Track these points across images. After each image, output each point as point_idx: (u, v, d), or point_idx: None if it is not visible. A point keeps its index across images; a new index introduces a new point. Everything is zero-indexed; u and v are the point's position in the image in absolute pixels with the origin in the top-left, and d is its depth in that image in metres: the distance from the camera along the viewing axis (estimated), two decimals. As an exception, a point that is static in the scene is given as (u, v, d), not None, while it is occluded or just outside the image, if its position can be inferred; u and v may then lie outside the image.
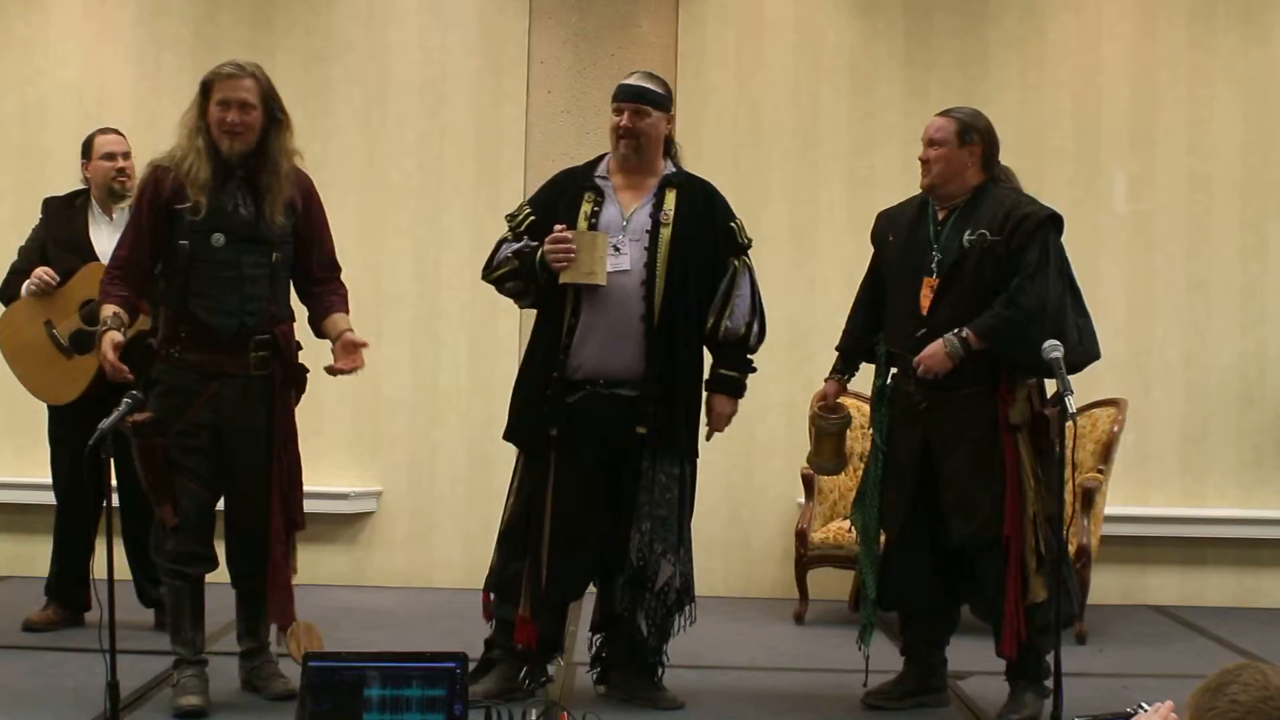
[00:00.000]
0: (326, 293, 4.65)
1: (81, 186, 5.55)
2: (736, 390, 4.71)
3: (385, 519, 6.76)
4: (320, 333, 4.66)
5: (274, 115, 4.47)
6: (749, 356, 4.71)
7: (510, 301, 6.85)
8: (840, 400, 4.81)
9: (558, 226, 4.51)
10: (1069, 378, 4.15)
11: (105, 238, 5.36)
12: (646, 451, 4.54)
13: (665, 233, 4.57)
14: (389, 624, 5.84)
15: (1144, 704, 2.49)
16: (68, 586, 5.49)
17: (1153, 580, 6.67)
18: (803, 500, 6.23)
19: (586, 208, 4.61)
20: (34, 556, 6.43)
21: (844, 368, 4.82)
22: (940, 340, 4.40)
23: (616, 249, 4.53)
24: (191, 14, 6.81)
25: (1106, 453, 5.99)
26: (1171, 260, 6.74)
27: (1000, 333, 4.37)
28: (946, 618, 4.67)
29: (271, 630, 4.61)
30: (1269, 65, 6.76)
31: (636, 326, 4.52)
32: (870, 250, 4.86)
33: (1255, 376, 6.72)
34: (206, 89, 4.44)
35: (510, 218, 4.74)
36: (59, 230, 5.47)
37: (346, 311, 4.65)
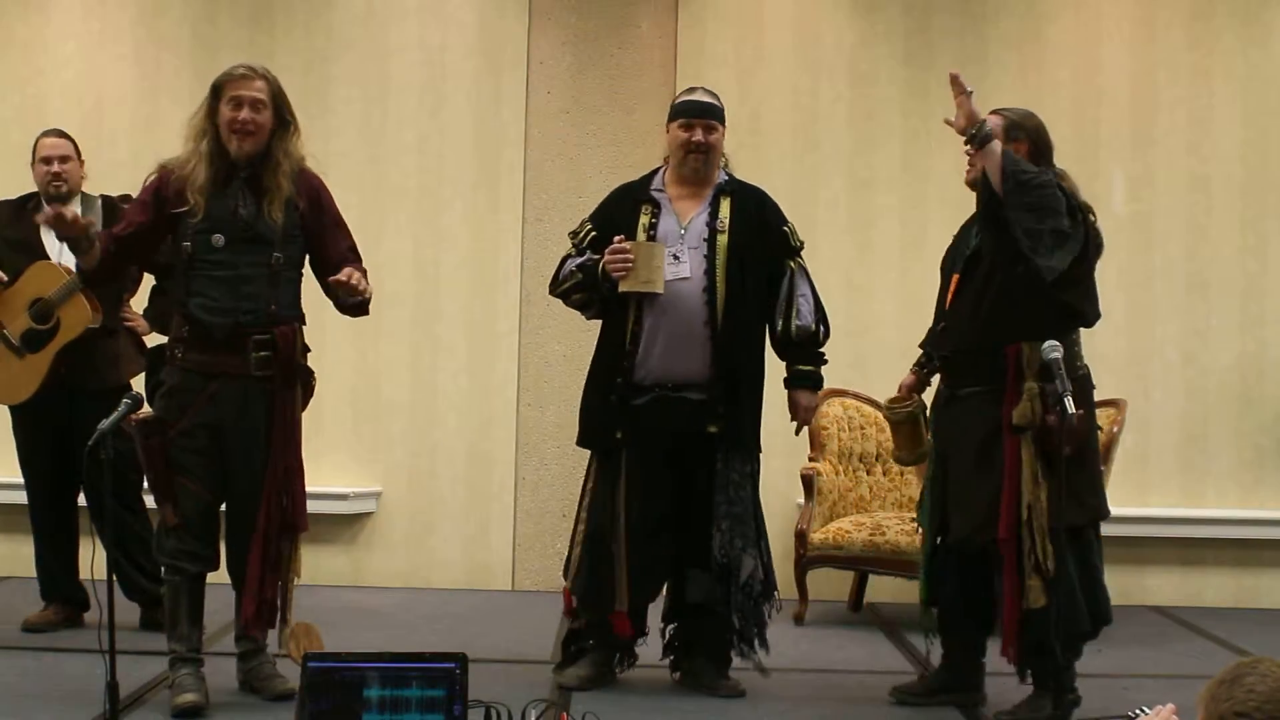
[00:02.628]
0: (344, 262, 4.54)
1: (34, 189, 5.53)
2: (817, 384, 4.90)
3: (385, 519, 6.76)
4: (329, 292, 4.55)
5: (283, 118, 4.49)
6: (820, 351, 4.88)
7: (510, 303, 6.88)
8: (912, 391, 4.81)
9: (616, 238, 4.68)
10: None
11: (56, 240, 5.38)
12: (719, 452, 4.72)
13: (722, 239, 4.74)
14: (388, 624, 5.84)
15: (1144, 708, 2.49)
16: (64, 587, 5.52)
17: (1152, 581, 6.67)
18: (803, 501, 6.22)
19: (645, 219, 4.78)
20: (32, 556, 6.43)
21: (925, 363, 4.82)
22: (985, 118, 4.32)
23: (676, 257, 4.70)
24: (191, 15, 6.81)
25: (1106, 453, 5.98)
26: (1171, 260, 6.74)
27: (1025, 180, 4.25)
28: (978, 620, 4.58)
29: (271, 631, 4.61)
30: (1269, 66, 6.76)
31: (701, 331, 4.69)
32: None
33: (1255, 377, 6.72)
34: (217, 90, 4.45)
35: (573, 234, 4.92)
36: (9, 231, 5.45)
37: (360, 272, 4.53)
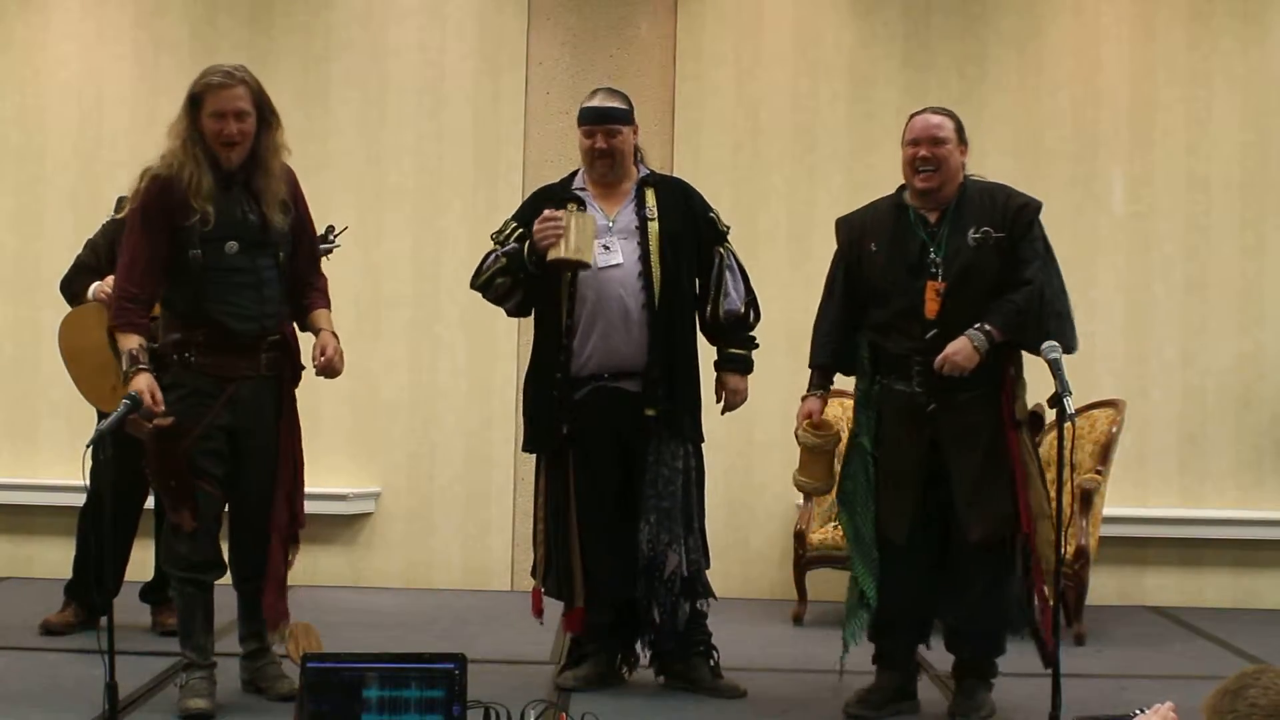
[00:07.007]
0: (309, 288, 4.64)
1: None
2: (746, 367, 4.87)
3: (384, 520, 6.76)
4: (305, 327, 4.67)
5: (265, 117, 4.44)
6: (751, 334, 4.87)
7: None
8: (826, 417, 4.68)
9: (546, 210, 4.60)
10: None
11: None
12: (651, 443, 4.67)
13: (653, 226, 4.73)
14: (388, 624, 5.84)
15: (1143, 708, 2.48)
16: (95, 588, 5.45)
17: (1151, 581, 6.67)
18: (801, 501, 6.22)
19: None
20: (31, 557, 6.44)
21: (822, 382, 4.71)
22: (964, 337, 4.32)
23: (606, 248, 4.66)
24: (190, 15, 6.81)
25: (1105, 453, 5.98)
26: (1170, 261, 6.74)
27: (1021, 320, 4.37)
28: (927, 624, 4.66)
29: (272, 632, 4.61)
30: (1268, 66, 6.76)
31: (639, 316, 4.66)
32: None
33: (1253, 378, 6.72)
34: (197, 100, 4.36)
35: (497, 234, 4.83)
36: None
37: (328, 306, 4.66)
